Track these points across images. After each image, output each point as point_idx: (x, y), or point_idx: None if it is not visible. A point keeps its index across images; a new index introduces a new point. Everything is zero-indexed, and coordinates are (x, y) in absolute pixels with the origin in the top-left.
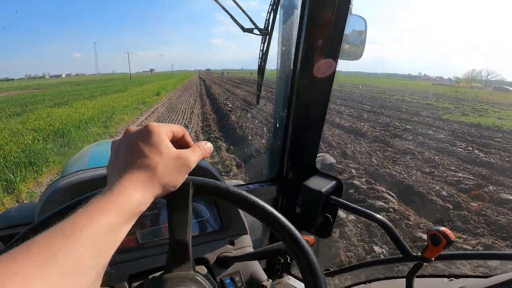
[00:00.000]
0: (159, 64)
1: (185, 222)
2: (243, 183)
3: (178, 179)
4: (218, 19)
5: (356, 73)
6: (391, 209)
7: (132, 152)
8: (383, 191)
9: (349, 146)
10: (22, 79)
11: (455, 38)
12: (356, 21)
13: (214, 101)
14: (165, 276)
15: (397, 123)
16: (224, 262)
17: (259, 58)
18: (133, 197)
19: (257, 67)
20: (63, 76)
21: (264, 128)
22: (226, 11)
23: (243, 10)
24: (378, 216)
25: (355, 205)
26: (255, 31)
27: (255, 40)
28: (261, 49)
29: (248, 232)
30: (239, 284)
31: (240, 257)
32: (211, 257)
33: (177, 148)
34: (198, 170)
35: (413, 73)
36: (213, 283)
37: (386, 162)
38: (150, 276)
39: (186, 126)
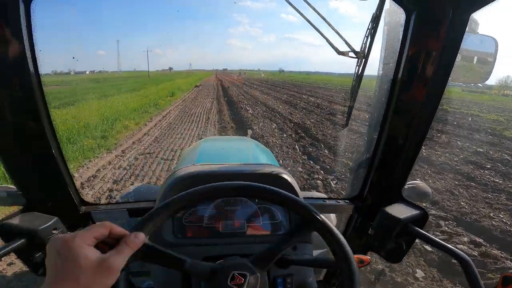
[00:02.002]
0: (177, 63)
1: (166, 256)
2: (320, 196)
3: (105, 282)
4: (235, 19)
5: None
6: None
7: (56, 269)
8: (507, 259)
9: (416, 178)
10: (49, 75)
11: None
12: (484, 42)
13: (232, 104)
14: (224, 263)
15: (459, 143)
16: (282, 263)
17: (353, 80)
18: None
19: (350, 89)
20: (87, 72)
21: (296, 146)
22: (320, 33)
23: (338, 33)
24: (458, 251)
25: (433, 237)
26: (351, 53)
27: (271, 42)
28: (356, 71)
29: (312, 242)
30: (289, 286)
31: (297, 261)
32: None
33: (110, 245)
34: (279, 181)
35: None
36: (265, 278)
37: (481, 207)
38: (217, 262)
39: (200, 138)
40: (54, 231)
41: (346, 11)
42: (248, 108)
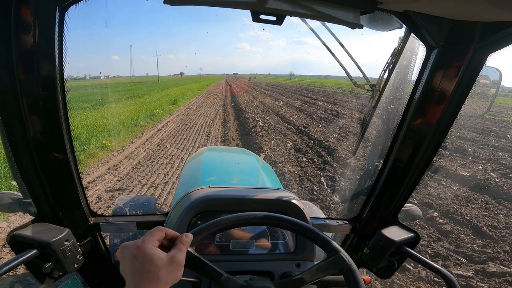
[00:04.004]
0: (189, 68)
1: (207, 267)
2: (324, 216)
3: (177, 275)
4: (246, 23)
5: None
6: None
7: (135, 268)
8: None
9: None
10: (65, 80)
11: None
12: (488, 73)
13: (240, 114)
14: (235, 277)
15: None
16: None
17: (367, 112)
18: None
19: (362, 120)
20: (102, 78)
21: (322, 178)
22: (340, 63)
23: (358, 66)
24: (445, 270)
25: (424, 258)
26: (367, 86)
27: (282, 46)
28: (370, 103)
29: (315, 260)
30: None
31: (300, 279)
32: (278, 272)
33: (166, 244)
34: (292, 207)
35: None
36: None
37: None
38: (244, 280)
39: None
40: (66, 243)
41: (369, 44)
42: (257, 119)
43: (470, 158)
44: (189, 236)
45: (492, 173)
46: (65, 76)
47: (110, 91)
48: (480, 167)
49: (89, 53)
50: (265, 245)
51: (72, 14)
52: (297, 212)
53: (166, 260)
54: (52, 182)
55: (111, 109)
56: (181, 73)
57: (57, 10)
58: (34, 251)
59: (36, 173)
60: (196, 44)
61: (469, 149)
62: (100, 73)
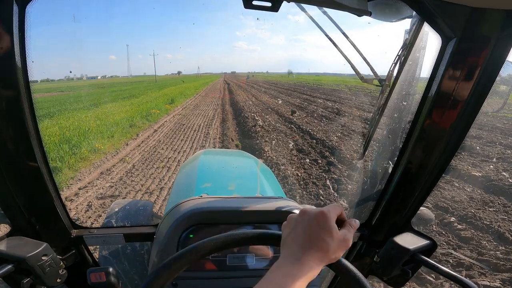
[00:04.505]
0: (186, 67)
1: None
2: None
3: (340, 254)
4: (243, 22)
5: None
6: None
7: (311, 234)
8: None
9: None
10: (62, 80)
11: None
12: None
13: (239, 113)
14: None
15: None
16: None
17: (376, 109)
18: (312, 268)
19: (371, 118)
20: (99, 77)
21: (328, 181)
22: (346, 57)
23: (365, 59)
24: (466, 279)
25: (442, 266)
26: (375, 81)
27: (280, 44)
28: (379, 100)
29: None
30: None
31: None
32: None
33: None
34: None
35: None
36: None
37: None
38: None
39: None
40: (44, 258)
41: (378, 35)
42: (257, 118)
43: (480, 157)
44: (357, 223)
45: (504, 173)
46: (31, 78)
47: (106, 92)
48: (492, 166)
49: (87, 52)
50: (266, 258)
51: (53, 9)
52: None
53: (340, 236)
54: (24, 194)
55: (106, 110)
56: (179, 72)
57: (14, 4)
58: (9, 266)
59: (4, 185)
60: (194, 43)
61: (478, 147)
62: (70, 72)
